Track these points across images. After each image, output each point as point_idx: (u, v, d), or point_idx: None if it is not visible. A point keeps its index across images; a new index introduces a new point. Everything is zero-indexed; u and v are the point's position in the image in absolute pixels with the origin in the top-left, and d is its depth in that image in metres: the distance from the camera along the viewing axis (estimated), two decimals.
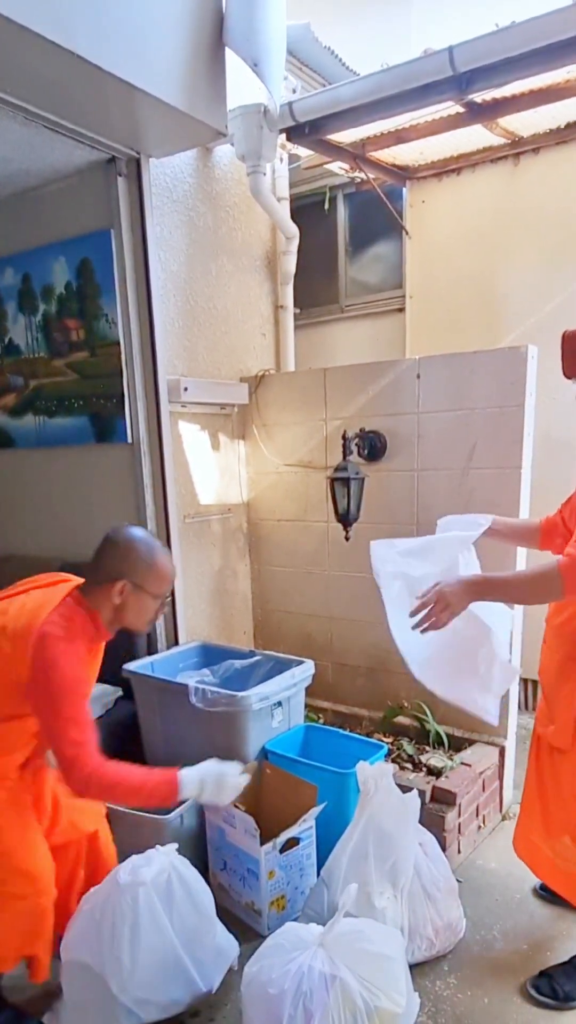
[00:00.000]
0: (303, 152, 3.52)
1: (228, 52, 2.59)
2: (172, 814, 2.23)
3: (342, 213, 4.33)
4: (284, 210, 3.45)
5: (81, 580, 1.83)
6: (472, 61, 2.51)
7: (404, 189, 3.94)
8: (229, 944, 1.93)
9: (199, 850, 2.33)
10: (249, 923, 2.19)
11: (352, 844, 2.00)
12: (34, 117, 2.40)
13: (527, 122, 3.27)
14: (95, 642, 1.83)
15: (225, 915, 1.99)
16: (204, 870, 2.24)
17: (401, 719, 2.91)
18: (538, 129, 3.36)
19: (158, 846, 1.88)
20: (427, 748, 2.72)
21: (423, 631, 1.80)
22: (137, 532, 1.84)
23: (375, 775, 2.01)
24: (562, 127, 3.32)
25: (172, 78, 2.38)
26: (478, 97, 2.85)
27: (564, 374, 1.90)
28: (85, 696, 1.72)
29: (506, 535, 2.12)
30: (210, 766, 1.79)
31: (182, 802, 2.01)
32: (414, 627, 1.81)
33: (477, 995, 1.92)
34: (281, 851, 2.14)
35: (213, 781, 1.76)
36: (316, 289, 4.35)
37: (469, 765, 2.53)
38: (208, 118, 2.55)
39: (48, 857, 1.80)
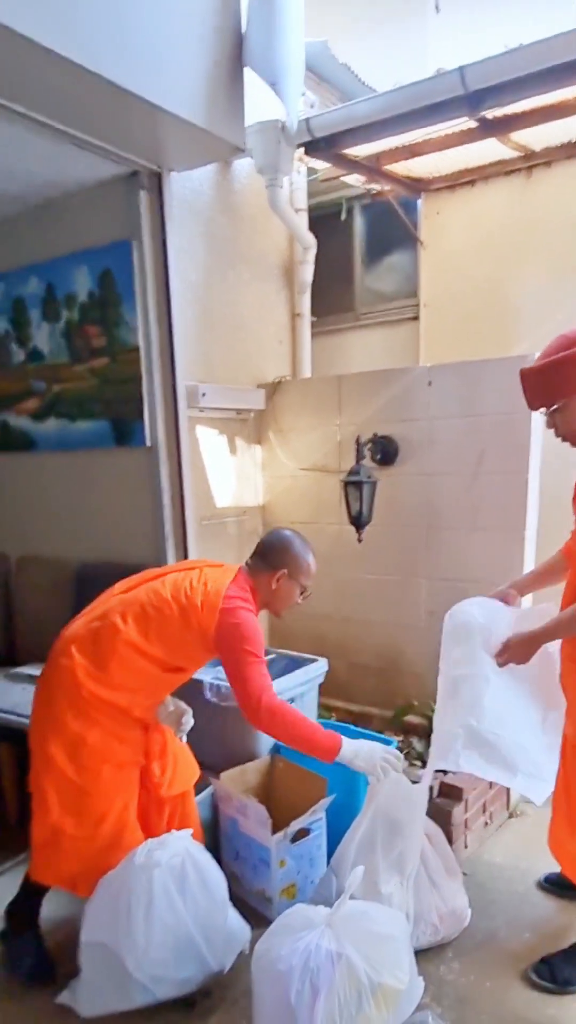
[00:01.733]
0: (320, 165, 3.62)
1: (247, 70, 2.69)
2: None
3: (358, 223, 4.43)
4: (302, 221, 3.55)
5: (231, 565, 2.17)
6: (483, 80, 2.60)
7: (419, 201, 4.02)
8: (241, 927, 2.01)
9: (212, 840, 2.41)
10: (260, 910, 2.26)
11: (360, 833, 2.07)
12: (61, 134, 2.52)
13: (539, 136, 3.34)
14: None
15: (237, 903, 2.06)
16: (217, 860, 2.31)
17: (411, 718, 2.97)
18: (550, 143, 3.43)
19: (174, 830, 1.96)
20: None
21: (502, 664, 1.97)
22: (289, 533, 2.20)
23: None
24: (574, 141, 3.39)
25: (193, 97, 2.48)
26: (490, 113, 2.94)
27: (530, 406, 1.94)
28: (263, 647, 2.04)
29: (534, 583, 2.22)
30: (367, 743, 2.01)
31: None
32: (501, 664, 1.97)
33: (479, 980, 1.98)
34: (292, 841, 2.21)
35: (367, 751, 1.98)
36: (332, 298, 4.44)
37: None
38: (227, 134, 2.66)
39: (129, 821, 2.01)
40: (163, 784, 2.12)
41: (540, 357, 1.89)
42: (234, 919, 2.01)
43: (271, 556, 2.14)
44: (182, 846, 1.92)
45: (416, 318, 4.17)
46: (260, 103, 2.96)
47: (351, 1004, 1.64)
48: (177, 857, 1.89)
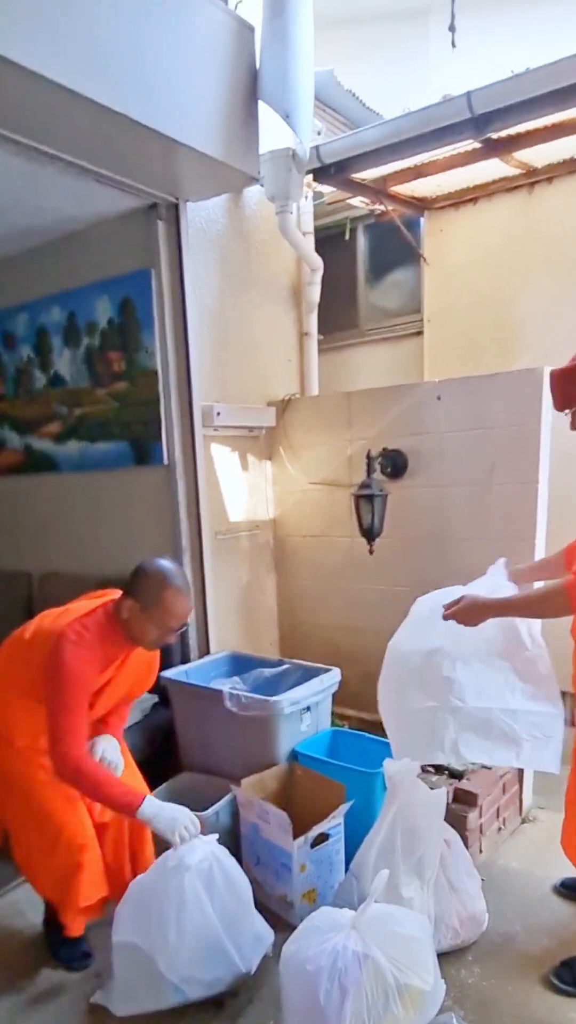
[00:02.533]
0: (326, 189, 3.74)
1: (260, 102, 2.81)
2: (208, 810, 2.39)
3: (361, 243, 4.54)
4: (309, 244, 3.66)
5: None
6: (489, 104, 2.71)
7: (422, 219, 4.13)
8: (265, 930, 2.08)
9: (233, 846, 2.47)
10: (282, 914, 2.32)
11: (380, 838, 2.14)
12: (86, 172, 2.64)
13: (541, 153, 3.43)
14: (119, 649, 2.06)
15: (258, 908, 2.11)
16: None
17: None
18: (552, 160, 3.52)
19: (201, 835, 2.03)
20: None
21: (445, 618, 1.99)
22: (163, 564, 2.03)
23: (401, 772, 2.14)
24: (574, 157, 3.49)
25: (211, 131, 2.59)
26: (494, 134, 3.04)
27: (555, 407, 2.03)
28: (85, 695, 1.97)
29: (532, 574, 2.26)
30: (172, 807, 1.96)
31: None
32: (445, 616, 2.00)
33: (500, 983, 2.03)
34: (312, 846, 2.28)
35: (168, 817, 1.94)
36: (337, 315, 4.54)
37: (489, 769, 2.65)
38: (243, 165, 2.77)
39: (85, 823, 2.03)
40: (95, 808, 2.09)
41: (570, 360, 1.98)
42: (259, 922, 2.08)
43: (131, 583, 2.03)
44: (209, 850, 2.00)
45: (420, 333, 4.27)
46: (269, 131, 3.07)
47: (378, 1004, 1.70)
48: (206, 861, 1.96)
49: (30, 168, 2.52)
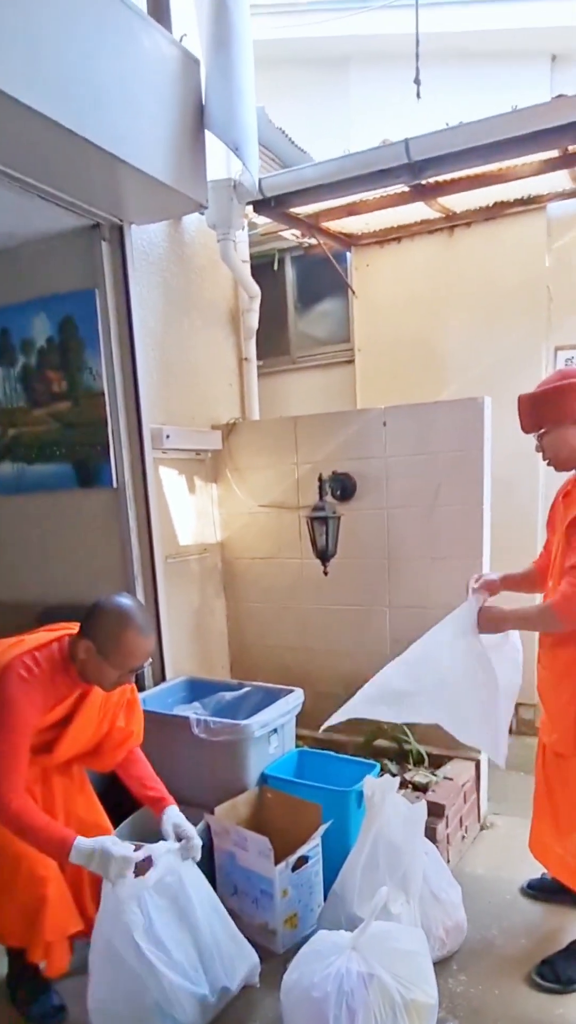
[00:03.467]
0: (262, 220, 3.83)
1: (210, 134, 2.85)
2: (181, 842, 2.29)
3: (290, 273, 4.66)
4: (247, 272, 3.72)
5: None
6: (424, 152, 2.90)
7: (348, 253, 4.31)
8: (245, 942, 2.04)
9: (207, 877, 2.38)
10: (263, 943, 2.26)
11: (364, 856, 2.14)
12: (30, 187, 2.56)
13: (461, 200, 3.70)
14: (68, 688, 1.95)
15: None
16: None
17: (381, 742, 3.08)
18: (470, 206, 3.81)
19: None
20: (409, 767, 2.90)
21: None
22: (122, 603, 1.91)
23: (381, 789, 2.17)
24: (490, 205, 3.78)
25: (158, 155, 2.60)
26: (425, 180, 3.24)
27: (523, 430, 2.17)
28: (26, 736, 1.84)
29: (518, 583, 2.40)
30: (105, 843, 1.82)
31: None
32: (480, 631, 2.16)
33: (487, 988, 2.08)
34: (293, 870, 2.25)
35: (102, 859, 1.80)
36: (268, 342, 4.62)
37: (452, 779, 2.73)
38: (192, 192, 2.79)
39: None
40: None
41: (537, 386, 2.12)
42: (234, 930, 2.04)
43: (87, 623, 1.91)
44: (167, 863, 1.92)
45: (351, 361, 4.42)
46: (210, 162, 3.12)
47: (387, 1022, 1.69)
48: (168, 876, 1.90)
49: None
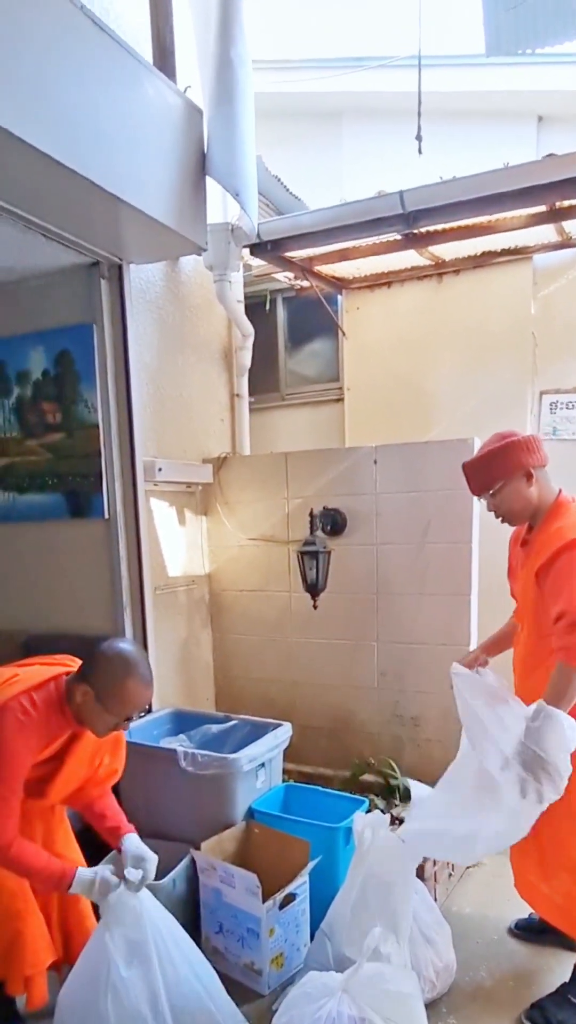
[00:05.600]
0: (255, 262, 3.94)
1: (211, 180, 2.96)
2: (166, 878, 2.27)
3: (281, 313, 4.78)
4: (241, 311, 3.82)
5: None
6: (419, 203, 3.03)
7: (339, 296, 4.43)
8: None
9: (191, 915, 2.35)
10: (248, 984, 2.22)
11: (354, 894, 2.11)
12: (33, 225, 2.63)
13: (450, 248, 3.83)
14: (61, 729, 1.92)
15: (223, 979, 2.01)
16: (196, 936, 2.25)
17: (367, 777, 3.07)
18: (459, 254, 3.95)
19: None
20: (396, 802, 2.89)
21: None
22: (124, 649, 1.88)
23: (372, 825, 2.16)
24: (478, 254, 3.92)
25: (160, 198, 2.69)
26: (417, 229, 3.38)
27: (474, 492, 2.22)
28: (19, 778, 1.82)
29: (494, 647, 2.37)
30: (103, 871, 1.84)
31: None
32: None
33: None
34: (280, 907, 2.21)
35: (103, 888, 1.82)
36: (259, 379, 4.70)
37: None
38: (192, 235, 2.88)
39: (23, 886, 1.90)
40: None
41: (477, 452, 2.18)
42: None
43: (88, 667, 1.87)
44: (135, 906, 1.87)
45: (339, 400, 4.51)
46: (209, 207, 3.23)
47: None
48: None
49: None
